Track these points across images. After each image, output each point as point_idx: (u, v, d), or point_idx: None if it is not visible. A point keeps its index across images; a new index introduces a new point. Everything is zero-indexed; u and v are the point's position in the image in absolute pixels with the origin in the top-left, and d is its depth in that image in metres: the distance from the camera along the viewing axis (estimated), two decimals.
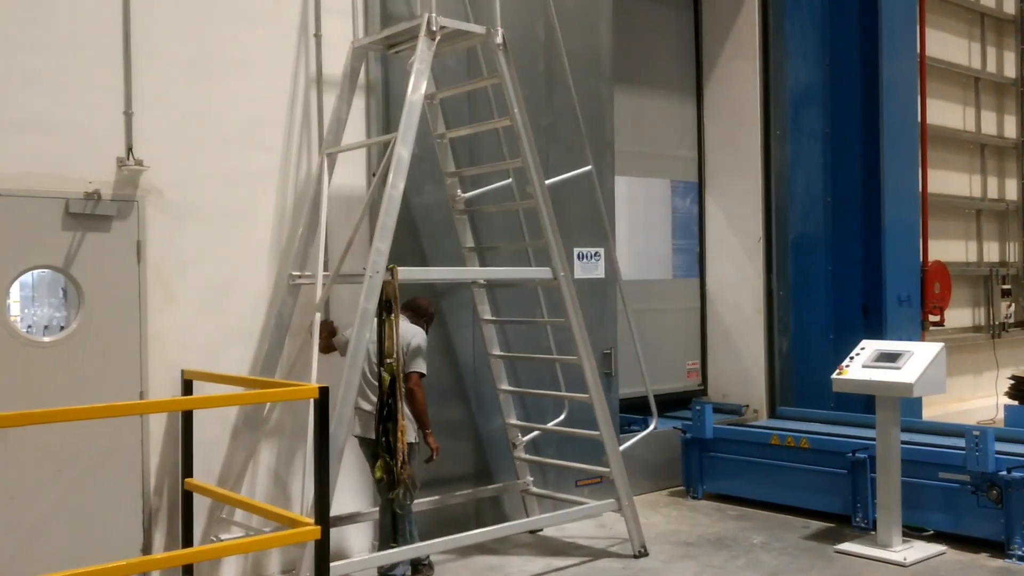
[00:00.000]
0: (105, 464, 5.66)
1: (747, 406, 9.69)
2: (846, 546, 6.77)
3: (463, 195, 6.91)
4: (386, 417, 5.53)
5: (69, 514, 5.50)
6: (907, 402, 9.18)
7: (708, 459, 8.42)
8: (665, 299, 10.08)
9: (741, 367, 9.91)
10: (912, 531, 6.91)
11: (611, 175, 8.57)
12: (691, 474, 8.51)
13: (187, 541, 5.76)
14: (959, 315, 12.78)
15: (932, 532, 6.93)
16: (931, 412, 11.21)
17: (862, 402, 8.39)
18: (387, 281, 5.52)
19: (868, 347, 6.98)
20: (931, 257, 10.82)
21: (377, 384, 5.64)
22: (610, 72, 8.45)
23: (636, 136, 9.62)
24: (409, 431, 5.84)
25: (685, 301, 10.27)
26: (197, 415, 5.83)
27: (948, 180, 12.47)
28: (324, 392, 4.60)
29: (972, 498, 6.68)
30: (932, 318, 10.37)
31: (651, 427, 7.21)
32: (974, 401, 12.34)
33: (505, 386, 7.15)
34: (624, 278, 8.86)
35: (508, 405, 7.20)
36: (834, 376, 6.91)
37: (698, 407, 8.45)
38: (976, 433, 6.56)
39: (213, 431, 6.05)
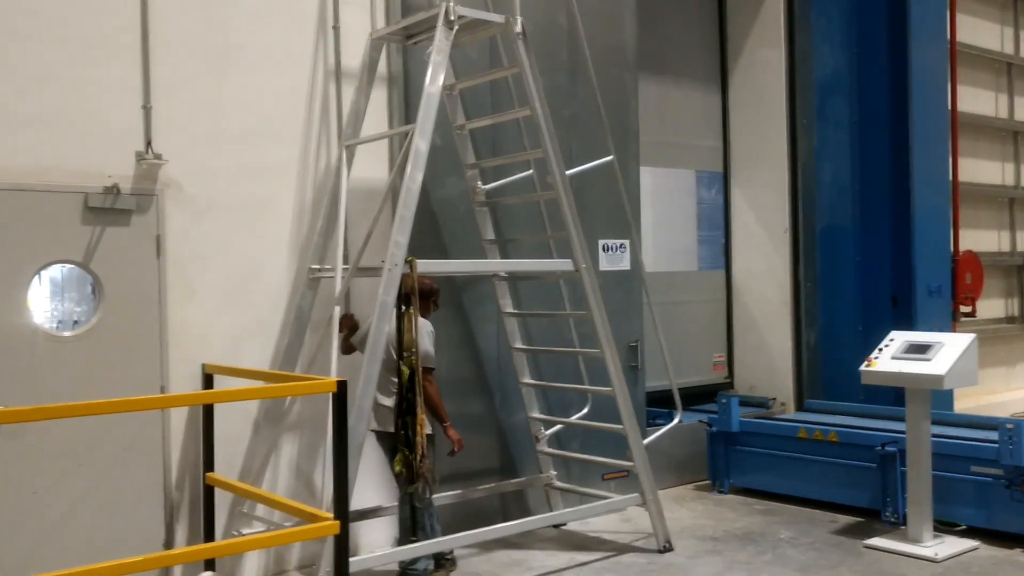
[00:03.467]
0: (126, 459, 5.65)
1: (774, 399, 9.56)
2: (876, 541, 6.64)
3: (483, 187, 6.84)
4: (405, 411, 5.48)
5: (91, 509, 5.49)
6: (938, 394, 9.01)
7: (734, 453, 8.31)
8: (691, 291, 9.97)
9: (768, 359, 9.78)
10: (943, 526, 6.78)
11: (636, 166, 8.48)
12: (717, 468, 8.40)
13: (209, 536, 5.75)
14: (991, 306, 12.56)
15: (964, 527, 6.79)
16: (963, 404, 11.02)
17: (892, 394, 8.26)
18: (405, 274, 5.46)
19: (897, 338, 6.84)
20: (962, 247, 10.64)
21: (395, 378, 5.59)
22: (634, 61, 8.35)
23: (661, 126, 9.51)
24: (425, 423, 5.79)
25: (711, 293, 10.16)
26: (218, 409, 5.81)
27: (980, 168, 12.23)
28: (342, 386, 4.56)
29: (1005, 492, 6.53)
30: (963, 309, 10.19)
31: (676, 420, 7.11)
32: (1007, 393, 12.13)
33: (527, 379, 7.09)
34: (649, 270, 8.82)
35: (531, 398, 7.14)
36: (862, 368, 6.78)
37: (724, 400, 8.34)
38: (1009, 426, 6.40)
39: (234, 425, 6.03)
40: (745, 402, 9.48)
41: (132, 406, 4.57)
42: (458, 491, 6.76)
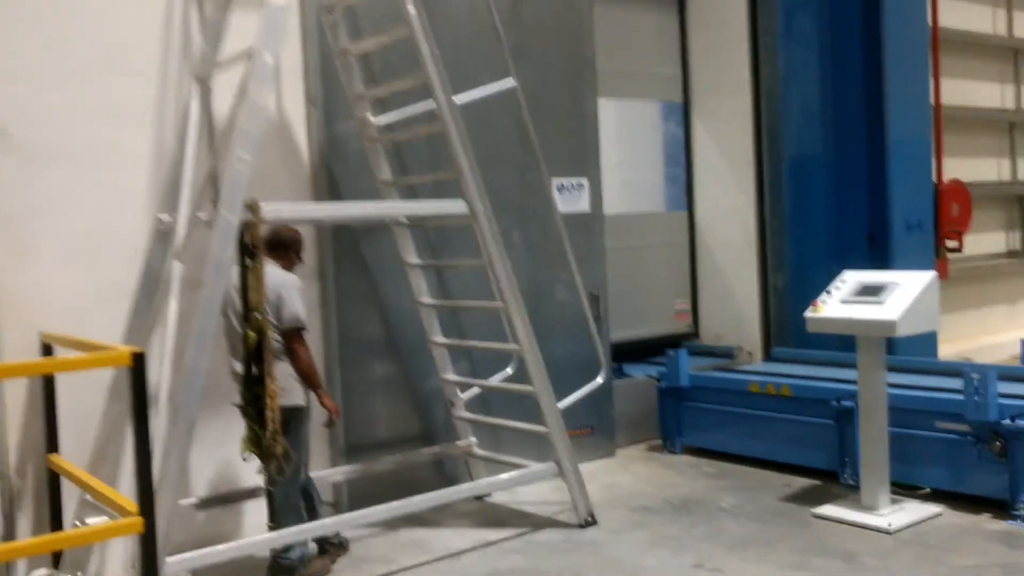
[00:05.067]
0: None
1: (740, 348, 8.77)
2: (825, 509, 5.87)
3: (375, 120, 6.02)
4: (254, 381, 4.74)
5: None
6: (920, 338, 8.26)
7: (685, 410, 7.55)
8: (656, 234, 9.17)
9: (734, 306, 8.96)
10: (906, 490, 6.02)
11: (593, 97, 7.70)
12: (668, 427, 7.65)
13: (56, 526, 5.07)
14: (990, 240, 11.66)
15: (929, 490, 6.02)
16: (956, 348, 10.22)
17: None
18: (248, 222, 4.69)
19: (849, 279, 6.01)
20: (953, 175, 9.72)
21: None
22: None
23: (619, 54, 8.61)
24: (296, 393, 5.07)
25: (676, 235, 9.34)
26: (66, 382, 5.10)
27: (977, 90, 11.26)
28: (138, 359, 3.81)
29: (973, 451, 5.74)
30: (949, 244, 9.31)
31: (597, 381, 6.32)
32: (1009, 333, 11.22)
33: (438, 338, 6.34)
34: (612, 212, 8.13)
35: (444, 359, 6.39)
36: (807, 314, 5.97)
37: (671, 352, 7.56)
38: (975, 375, 5.58)
39: (87, 401, 5.33)
40: (710, 353, 8.76)
41: None
42: (356, 466, 6.07)
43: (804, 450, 6.69)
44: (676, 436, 7.58)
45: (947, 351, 9.76)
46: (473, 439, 6.53)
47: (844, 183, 8.82)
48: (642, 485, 6.76)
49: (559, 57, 7.37)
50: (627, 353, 8.63)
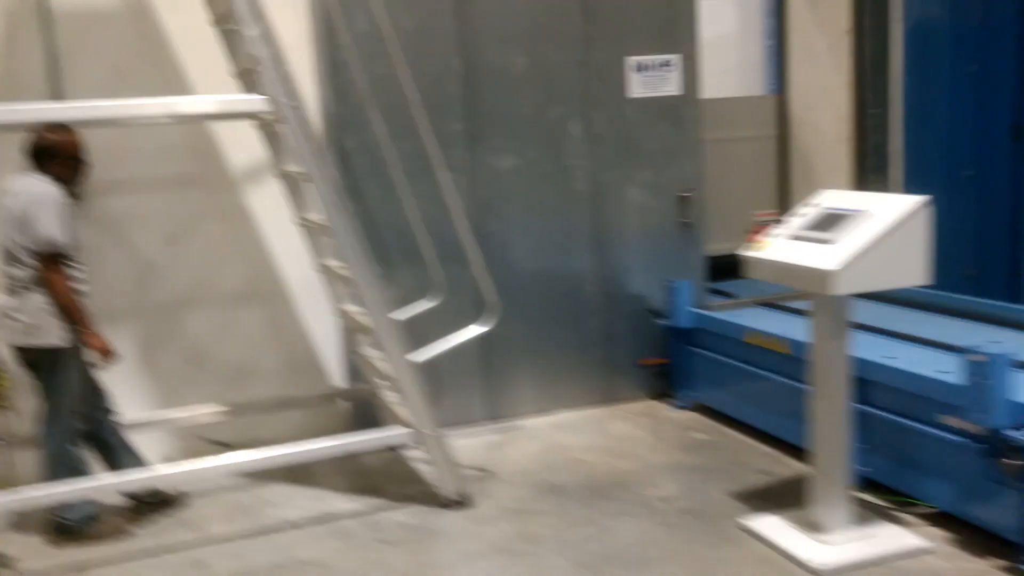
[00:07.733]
0: None
1: None
2: (757, 522, 4.23)
3: None
4: None
5: None
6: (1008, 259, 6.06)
7: (695, 357, 5.94)
8: (752, 124, 7.33)
9: None
10: (904, 504, 4.23)
11: None
12: (677, 375, 6.08)
13: None
14: None
15: (934, 510, 4.17)
16: None
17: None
18: None
19: (824, 202, 4.15)
20: None
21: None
22: None
23: None
24: (50, 330, 4.25)
25: (767, 127, 7.43)
26: None
27: None
28: None
29: (980, 463, 3.83)
30: None
31: (482, 328, 4.90)
32: None
33: (327, 261, 5.21)
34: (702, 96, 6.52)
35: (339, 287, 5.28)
36: (744, 252, 4.20)
37: (673, 283, 5.92)
38: (977, 357, 3.63)
39: None
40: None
41: None
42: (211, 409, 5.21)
43: (799, 426, 4.94)
44: (685, 388, 6.01)
45: None
46: (384, 381, 5.43)
47: (989, 59, 6.46)
48: (592, 452, 5.36)
49: None
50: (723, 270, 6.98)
